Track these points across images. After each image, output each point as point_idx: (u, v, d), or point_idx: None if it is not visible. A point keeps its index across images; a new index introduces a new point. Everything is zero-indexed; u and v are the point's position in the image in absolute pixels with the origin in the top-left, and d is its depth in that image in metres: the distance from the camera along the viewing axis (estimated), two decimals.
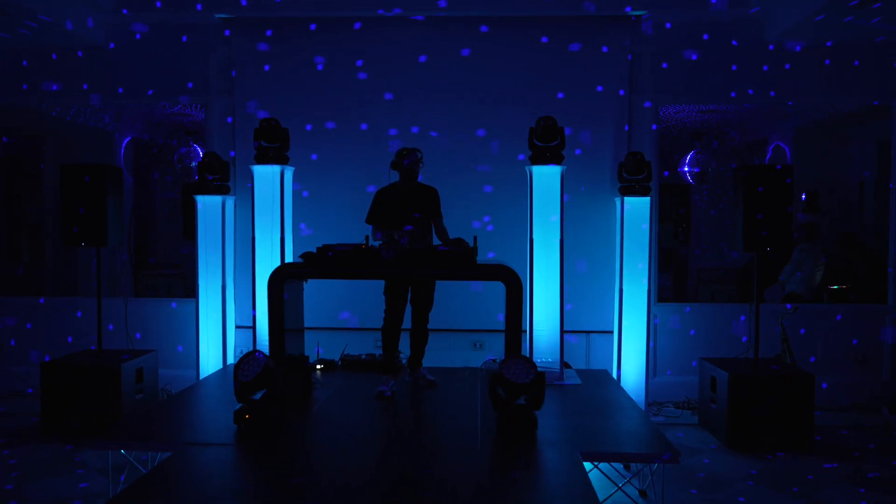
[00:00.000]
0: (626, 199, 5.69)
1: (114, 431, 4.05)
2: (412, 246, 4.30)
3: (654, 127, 6.24)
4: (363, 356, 5.73)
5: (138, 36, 6.31)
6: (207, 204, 5.86)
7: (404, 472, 3.39)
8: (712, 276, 8.96)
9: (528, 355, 5.45)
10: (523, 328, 5.63)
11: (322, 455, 3.70)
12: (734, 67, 6.13)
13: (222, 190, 5.87)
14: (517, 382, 3.75)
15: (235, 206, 6.11)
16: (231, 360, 6.05)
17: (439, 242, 4.80)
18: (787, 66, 6.13)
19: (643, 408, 5.43)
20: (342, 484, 3.24)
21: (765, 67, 6.12)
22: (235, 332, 6.18)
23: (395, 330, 4.88)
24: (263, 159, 5.36)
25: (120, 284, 8.51)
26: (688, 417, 5.75)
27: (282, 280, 4.23)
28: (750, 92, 6.11)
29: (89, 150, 8.82)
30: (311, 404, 4.51)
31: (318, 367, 5.49)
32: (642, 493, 4.08)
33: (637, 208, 5.70)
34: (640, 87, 6.18)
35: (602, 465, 3.90)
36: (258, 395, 3.94)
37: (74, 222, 5.26)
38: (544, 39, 6.06)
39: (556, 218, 5.25)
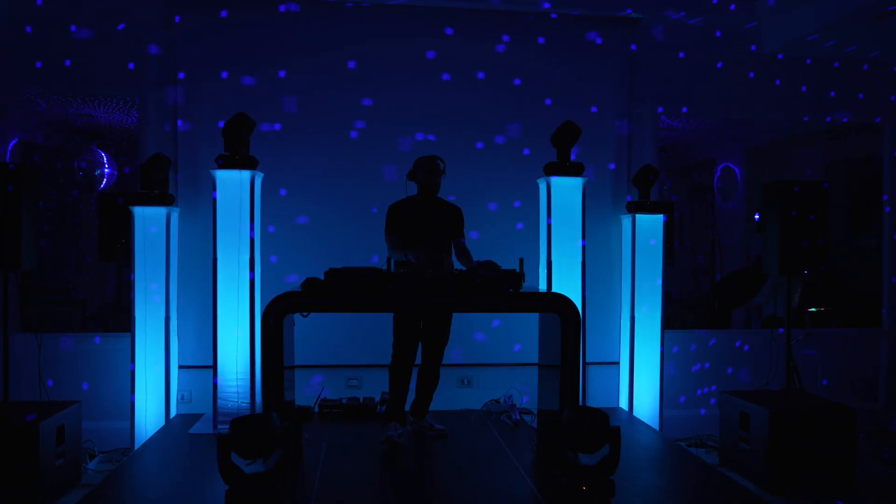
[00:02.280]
0: (637, 216, 5.15)
1: None
2: (433, 270, 3.51)
3: (655, 139, 5.75)
4: (343, 400, 4.82)
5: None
6: (149, 217, 4.75)
7: None
8: (677, 303, 8.68)
9: (535, 392, 4.78)
10: (530, 361, 4.96)
11: None
12: (732, 78, 5.78)
13: (167, 200, 4.79)
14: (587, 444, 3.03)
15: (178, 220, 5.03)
16: (174, 408, 4.93)
17: (460, 266, 4.03)
18: (778, 81, 5.86)
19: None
20: None
21: (777, 81, 5.80)
22: (178, 373, 5.08)
23: (407, 369, 4.04)
24: (229, 163, 4.37)
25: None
26: (707, 455, 5.23)
27: (281, 314, 3.29)
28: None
29: None
30: (311, 470, 3.57)
31: None
32: None
33: (650, 227, 5.17)
34: (640, 93, 5.68)
35: None
36: (251, 467, 2.99)
37: None
38: (541, 41, 5.44)
39: (578, 239, 4.60)
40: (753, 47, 5.77)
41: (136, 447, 4.64)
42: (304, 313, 3.53)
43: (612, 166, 5.56)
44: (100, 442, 5.02)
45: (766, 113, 5.91)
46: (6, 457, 3.93)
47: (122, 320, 6.03)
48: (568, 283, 4.57)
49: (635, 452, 3.97)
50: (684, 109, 5.68)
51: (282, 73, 5.12)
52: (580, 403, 3.51)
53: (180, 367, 5.10)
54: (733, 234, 9.41)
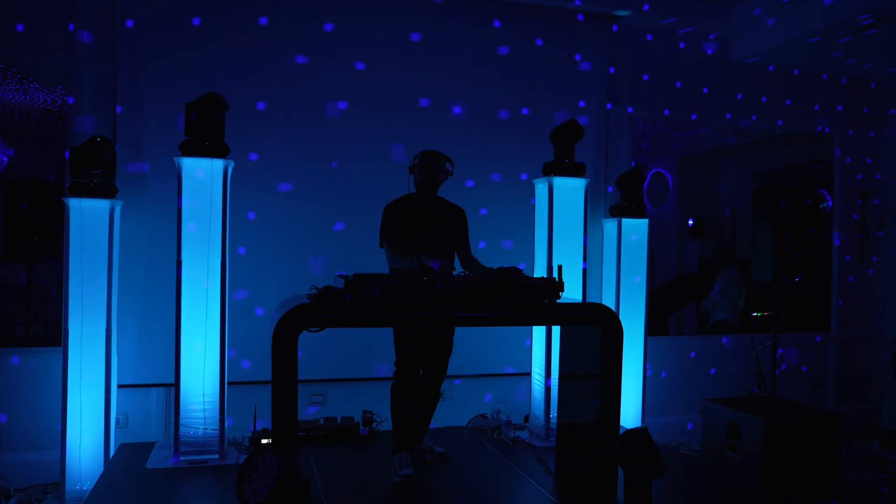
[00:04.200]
0: (623, 220, 4.97)
1: None
2: (451, 275, 3.12)
3: (631, 140, 5.61)
4: (320, 421, 4.30)
5: None
6: (87, 211, 4.01)
7: None
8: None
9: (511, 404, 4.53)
10: (498, 372, 4.73)
11: None
12: (705, 90, 5.76)
13: (111, 192, 4.07)
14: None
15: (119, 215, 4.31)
16: (113, 435, 4.21)
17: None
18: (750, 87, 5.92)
19: None
20: None
21: (741, 87, 5.83)
22: (116, 393, 4.35)
23: (412, 388, 3.59)
24: (197, 149, 3.74)
25: None
26: (695, 457, 5.15)
27: (296, 331, 2.78)
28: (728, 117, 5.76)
29: None
30: None
31: (265, 440, 3.96)
32: None
33: (634, 231, 5.00)
34: (618, 93, 5.52)
35: None
36: None
37: None
38: (539, 42, 5.13)
39: (580, 242, 4.34)
40: (714, 52, 5.77)
41: (69, 484, 3.91)
42: (316, 329, 3.02)
43: (589, 168, 5.35)
44: (16, 478, 4.22)
45: (735, 118, 5.92)
46: None
47: (34, 333, 5.14)
48: (570, 290, 4.28)
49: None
50: (666, 112, 5.59)
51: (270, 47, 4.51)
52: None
53: (120, 386, 4.38)
54: (665, 239, 9.57)
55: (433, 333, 3.65)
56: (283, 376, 2.76)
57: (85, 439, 4.08)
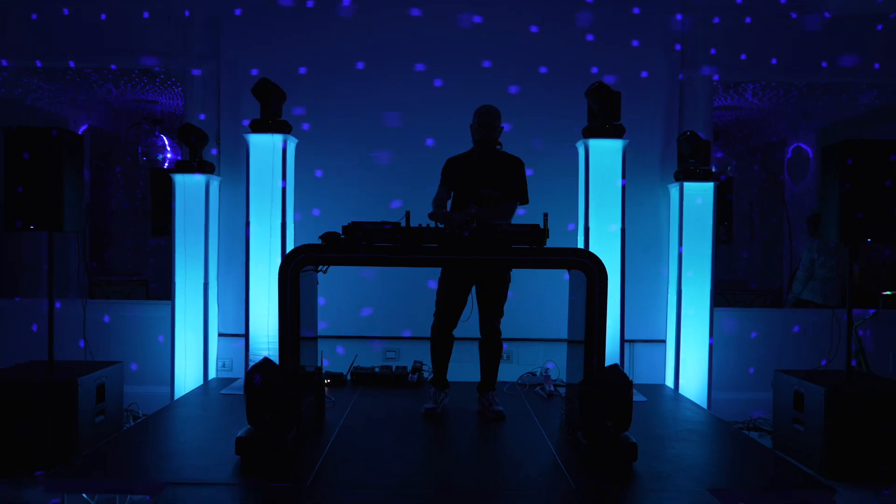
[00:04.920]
0: (685, 184, 4.88)
1: (72, 466, 3.02)
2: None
3: (709, 107, 5.44)
4: (376, 369, 4.77)
5: None
6: (188, 185, 4.84)
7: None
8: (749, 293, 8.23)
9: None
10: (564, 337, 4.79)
11: (343, 486, 2.74)
12: (786, 41, 5.41)
13: (206, 168, 4.87)
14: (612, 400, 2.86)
15: (221, 189, 5.10)
16: (213, 373, 5.01)
17: None
18: (847, 41, 5.44)
19: None
20: None
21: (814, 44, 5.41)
22: (218, 341, 5.15)
23: (448, 335, 3.91)
24: (260, 127, 4.38)
25: (71, 290, 7.34)
26: (759, 438, 4.91)
27: (298, 266, 3.26)
28: (824, 64, 5.37)
29: None
30: (329, 429, 3.53)
31: (326, 381, 4.50)
32: None
33: (698, 196, 4.89)
34: (693, 58, 5.40)
35: None
36: (268, 417, 2.96)
37: (21, 199, 4.17)
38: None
39: (618, 205, 4.39)
40: (803, 25, 5.39)
41: None
42: (323, 268, 3.48)
43: (661, 135, 5.30)
44: (144, 406, 5.14)
45: (831, 76, 5.49)
46: (50, 411, 4.06)
47: (162, 289, 6.18)
48: (606, 253, 4.35)
49: (675, 425, 3.76)
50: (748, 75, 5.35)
51: (302, 70, 5.11)
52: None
53: (221, 334, 5.18)
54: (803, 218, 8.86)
55: (468, 283, 3.89)
56: (290, 307, 3.25)
57: (189, 375, 4.90)
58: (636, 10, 5.21)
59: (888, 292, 6.48)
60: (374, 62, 5.15)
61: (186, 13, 5.27)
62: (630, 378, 3.05)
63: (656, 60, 5.25)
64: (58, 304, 4.47)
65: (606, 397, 2.90)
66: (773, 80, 5.70)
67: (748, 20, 5.39)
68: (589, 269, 3.21)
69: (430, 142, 5.08)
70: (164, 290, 7.60)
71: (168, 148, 9.16)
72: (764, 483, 2.93)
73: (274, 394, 2.94)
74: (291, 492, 2.69)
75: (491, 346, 3.95)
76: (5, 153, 4.20)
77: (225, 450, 3.02)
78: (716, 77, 5.47)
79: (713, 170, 5.06)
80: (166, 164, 9.07)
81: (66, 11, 5.27)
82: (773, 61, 5.45)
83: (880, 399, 4.11)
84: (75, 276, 6.64)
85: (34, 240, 7.03)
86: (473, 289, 3.91)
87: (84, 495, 2.83)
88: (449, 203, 3.93)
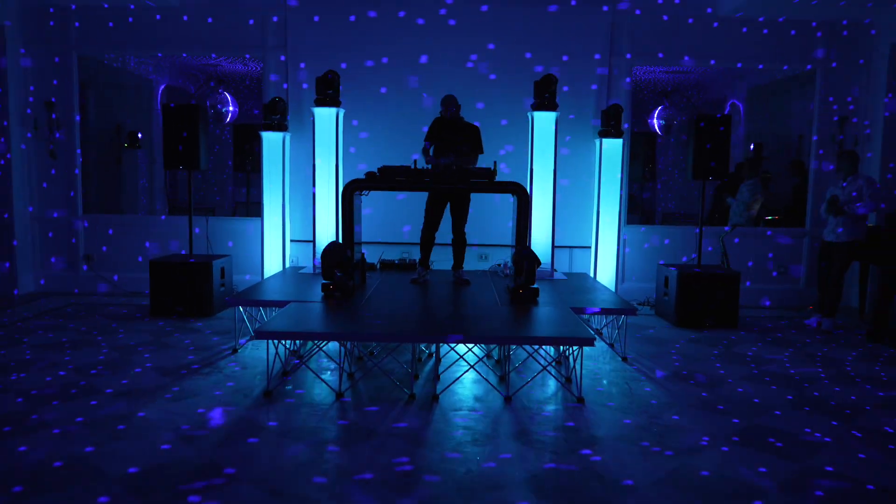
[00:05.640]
0: (603, 140, 7.25)
1: (233, 300, 5.55)
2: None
3: (627, 81, 7.75)
4: (396, 260, 7.27)
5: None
6: (271, 140, 7.29)
7: (440, 312, 4.96)
8: (674, 217, 10.60)
9: None
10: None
11: (379, 306, 5.24)
12: (690, 36, 7.67)
13: (282, 128, 7.30)
14: (528, 267, 5.35)
15: (290, 141, 7.54)
16: (287, 265, 7.56)
17: None
18: (734, 35, 7.68)
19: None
20: (393, 315, 4.78)
21: (716, 37, 7.67)
22: (290, 245, 7.69)
23: (430, 236, 6.38)
24: (323, 102, 6.79)
25: (160, 209, 9.92)
26: (647, 311, 7.42)
27: (352, 191, 5.72)
28: (712, 63, 7.65)
29: (134, 94, 10.08)
30: (368, 287, 6.06)
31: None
32: (611, 346, 5.73)
33: (613, 148, 7.27)
34: (618, 50, 7.68)
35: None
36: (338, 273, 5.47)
37: (175, 150, 6.67)
38: (552, 8, 7.51)
39: (551, 157, 6.79)
40: (710, 9, 7.62)
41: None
42: (366, 193, 5.94)
43: (595, 103, 7.64)
44: (241, 286, 7.74)
45: (723, 60, 7.74)
46: (194, 282, 6.64)
47: (251, 211, 8.72)
48: (543, 190, 6.78)
49: (574, 289, 6.21)
50: (660, 55, 7.63)
51: (370, 42, 7.46)
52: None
53: (292, 240, 7.71)
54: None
55: (444, 202, 6.33)
56: (348, 215, 5.72)
57: (272, 268, 7.45)
58: (592, 15, 7.49)
59: (770, 217, 8.90)
60: (393, 55, 7.52)
61: (275, 18, 7.62)
62: (556, 267, 5.47)
63: (593, 48, 7.55)
64: (162, 217, 7.03)
65: (521, 260, 5.36)
66: (680, 65, 7.94)
67: (665, 17, 7.61)
68: (518, 192, 5.65)
69: (428, 102, 7.46)
70: (224, 213, 10.14)
71: (230, 102, 11.57)
72: (600, 308, 5.41)
73: (342, 257, 5.44)
74: (353, 305, 5.20)
75: (459, 242, 6.43)
76: (164, 122, 6.66)
77: (314, 292, 5.52)
78: (635, 65, 7.74)
79: (625, 128, 7.38)
80: (229, 118, 11.49)
81: (185, 17, 7.64)
82: (686, 58, 7.72)
83: (708, 279, 6.59)
84: (162, 198, 9.22)
85: (132, 167, 9.60)
86: (447, 206, 6.35)
87: (260, 308, 5.38)
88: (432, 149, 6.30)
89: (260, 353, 5.34)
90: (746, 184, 8.84)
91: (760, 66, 8.12)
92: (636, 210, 11.07)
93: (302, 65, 7.63)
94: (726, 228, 7.63)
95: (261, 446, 3.51)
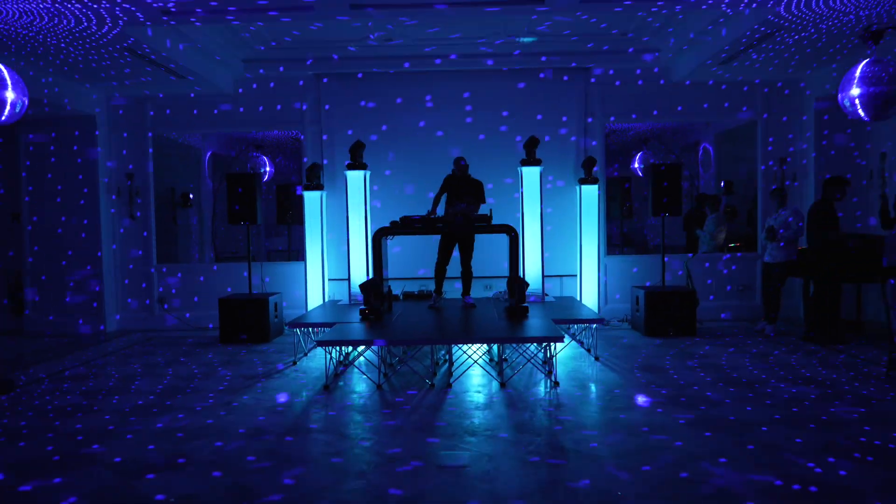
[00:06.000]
0: (583, 186, 8.88)
1: (294, 324, 7.15)
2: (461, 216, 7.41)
3: (600, 137, 9.39)
4: (416, 292, 8.87)
5: (255, 86, 9.45)
6: (311, 197, 8.98)
7: (451, 326, 6.51)
8: (656, 247, 12.12)
9: None
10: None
11: (404, 324, 6.80)
12: (653, 97, 9.34)
13: (320, 188, 9.00)
14: (520, 290, 6.92)
15: (325, 198, 9.23)
16: (327, 299, 9.17)
17: None
18: (687, 95, 9.34)
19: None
20: (414, 332, 6.33)
21: (674, 99, 9.35)
22: (328, 283, 9.32)
23: (442, 269, 7.97)
24: (353, 167, 8.49)
25: (206, 258, 11.62)
26: (627, 326, 8.92)
27: (380, 236, 7.36)
28: (654, 112, 9.33)
29: (186, 162, 11.87)
30: (395, 312, 7.64)
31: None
32: (588, 350, 7.24)
33: (590, 192, 8.88)
34: (592, 111, 9.35)
35: (566, 338, 7.06)
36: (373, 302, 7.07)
37: (236, 208, 8.37)
38: (521, 85, 9.23)
39: (538, 203, 8.41)
40: (663, 85, 9.30)
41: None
42: (391, 237, 7.56)
43: (575, 155, 9.29)
44: (291, 318, 9.34)
45: (682, 117, 9.40)
46: (254, 315, 8.26)
47: (292, 256, 10.39)
48: (533, 228, 8.38)
49: (560, 308, 7.74)
50: (633, 116, 9.32)
51: (389, 114, 9.21)
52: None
53: (330, 279, 9.34)
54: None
55: (453, 241, 7.94)
56: (377, 256, 7.34)
57: (314, 303, 9.07)
58: (570, 84, 9.19)
59: (733, 244, 10.42)
60: (390, 123, 9.26)
61: (304, 107, 9.41)
62: (547, 292, 7.04)
63: (576, 111, 9.23)
64: (215, 267, 8.71)
65: (514, 287, 6.92)
66: (648, 121, 9.58)
67: (640, 83, 9.29)
68: (510, 232, 7.26)
69: (444, 163, 9.14)
70: (260, 259, 11.85)
71: (267, 164, 13.37)
72: (575, 319, 6.93)
73: (376, 288, 7.04)
74: (384, 324, 6.77)
75: (466, 274, 8.02)
76: (228, 186, 8.38)
77: (353, 317, 7.11)
78: (607, 123, 9.41)
79: (597, 172, 8.99)
80: (266, 177, 13.28)
81: (228, 107, 9.45)
82: (643, 114, 9.39)
83: (669, 296, 8.13)
84: (209, 249, 10.91)
85: (185, 223, 11.35)
86: (456, 245, 7.94)
87: (312, 329, 6.98)
88: (443, 200, 7.89)
89: (314, 364, 6.92)
90: (711, 217, 10.40)
91: (709, 123, 9.71)
92: (631, 243, 12.68)
93: (324, 137, 9.37)
94: (689, 255, 9.17)
95: (327, 415, 5.07)
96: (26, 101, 5.75)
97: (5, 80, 5.59)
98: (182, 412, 5.22)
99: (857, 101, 5.76)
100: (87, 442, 4.55)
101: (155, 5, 5.97)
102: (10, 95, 5.56)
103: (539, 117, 9.27)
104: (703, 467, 3.88)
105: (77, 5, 5.82)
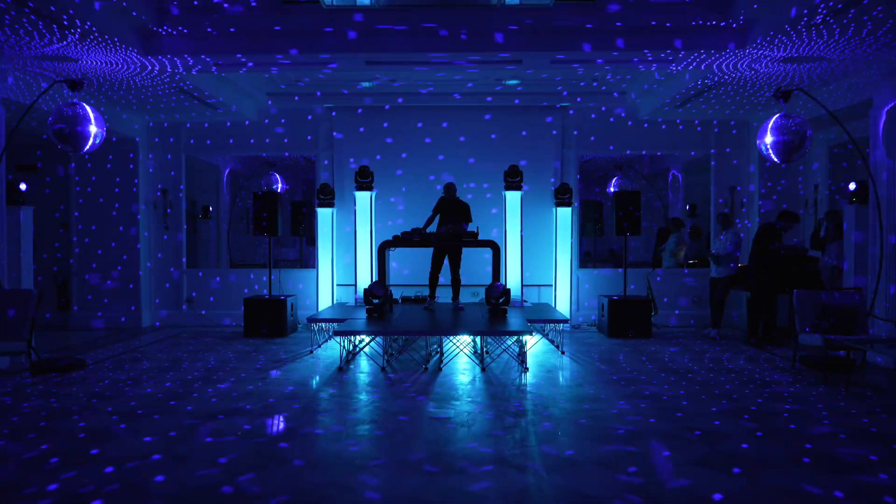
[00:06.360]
0: (558, 209, 10.32)
1: (312, 319, 8.52)
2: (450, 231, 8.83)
3: (571, 169, 10.85)
4: (413, 296, 10.26)
5: (274, 110, 10.88)
6: (323, 213, 10.39)
7: (443, 323, 7.90)
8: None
9: None
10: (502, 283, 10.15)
11: (404, 322, 8.17)
12: (621, 132, 10.81)
13: (331, 205, 10.41)
14: (498, 293, 8.32)
15: (336, 214, 10.63)
16: (336, 301, 10.55)
17: None
18: (651, 131, 10.81)
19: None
20: (412, 326, 7.71)
21: (640, 134, 10.83)
22: (336, 287, 10.70)
23: (435, 276, 9.37)
24: (361, 188, 9.90)
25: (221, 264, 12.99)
26: (594, 329, 10.31)
27: (385, 248, 8.76)
28: (623, 146, 10.80)
29: (205, 178, 13.26)
30: (395, 312, 9.02)
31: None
32: (557, 347, 8.63)
33: (565, 214, 10.33)
34: (568, 143, 10.82)
35: (538, 336, 8.45)
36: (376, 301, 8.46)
37: (261, 222, 9.77)
38: (507, 119, 10.71)
39: (518, 223, 9.84)
40: (630, 123, 10.78)
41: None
42: (393, 249, 8.97)
43: (553, 181, 10.73)
44: (303, 319, 10.72)
45: (646, 150, 10.87)
46: (274, 313, 9.63)
47: (305, 263, 11.78)
48: (514, 245, 9.80)
49: (537, 311, 9.12)
50: (611, 147, 10.79)
51: (391, 141, 10.65)
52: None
53: (338, 284, 10.73)
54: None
55: (444, 253, 9.34)
56: (382, 265, 8.73)
57: (325, 304, 10.45)
58: (549, 119, 10.66)
59: (692, 261, 11.86)
60: (391, 149, 10.69)
61: (317, 134, 10.85)
62: (526, 298, 8.44)
63: (555, 142, 10.69)
64: (232, 277, 10.10)
65: (496, 292, 8.31)
66: (614, 154, 11.02)
67: (611, 119, 10.77)
68: (493, 247, 8.67)
69: (437, 185, 10.56)
70: (296, 262, 13.25)
71: (279, 181, 14.77)
72: (546, 319, 8.33)
73: (379, 290, 8.42)
74: (387, 320, 8.14)
75: (455, 282, 9.42)
76: (253, 203, 9.78)
77: (360, 315, 8.49)
78: (580, 154, 10.88)
79: (574, 202, 10.43)
80: (279, 192, 14.66)
81: (252, 133, 10.87)
82: (611, 147, 10.85)
83: (629, 304, 9.55)
84: (225, 256, 12.30)
85: (205, 233, 12.74)
86: (447, 257, 9.34)
87: (327, 325, 8.35)
88: (437, 218, 9.30)
89: (328, 353, 8.29)
90: (672, 237, 11.84)
91: (676, 154, 11.17)
92: (615, 257, 14.14)
93: (334, 160, 10.80)
94: (649, 270, 10.60)
95: (342, 388, 6.44)
96: (104, 134, 7.15)
97: (89, 116, 6.99)
98: (228, 383, 6.58)
99: (770, 147, 7.20)
100: (165, 400, 5.92)
101: (208, 59, 7.40)
102: (93, 129, 6.96)
103: (522, 147, 10.72)
104: (627, 419, 5.27)
105: (149, 58, 7.25)
